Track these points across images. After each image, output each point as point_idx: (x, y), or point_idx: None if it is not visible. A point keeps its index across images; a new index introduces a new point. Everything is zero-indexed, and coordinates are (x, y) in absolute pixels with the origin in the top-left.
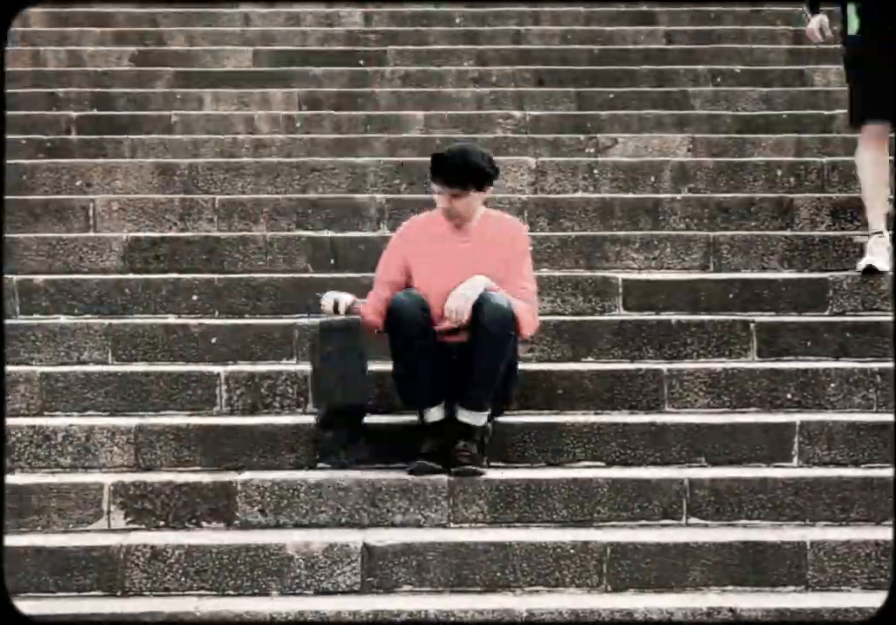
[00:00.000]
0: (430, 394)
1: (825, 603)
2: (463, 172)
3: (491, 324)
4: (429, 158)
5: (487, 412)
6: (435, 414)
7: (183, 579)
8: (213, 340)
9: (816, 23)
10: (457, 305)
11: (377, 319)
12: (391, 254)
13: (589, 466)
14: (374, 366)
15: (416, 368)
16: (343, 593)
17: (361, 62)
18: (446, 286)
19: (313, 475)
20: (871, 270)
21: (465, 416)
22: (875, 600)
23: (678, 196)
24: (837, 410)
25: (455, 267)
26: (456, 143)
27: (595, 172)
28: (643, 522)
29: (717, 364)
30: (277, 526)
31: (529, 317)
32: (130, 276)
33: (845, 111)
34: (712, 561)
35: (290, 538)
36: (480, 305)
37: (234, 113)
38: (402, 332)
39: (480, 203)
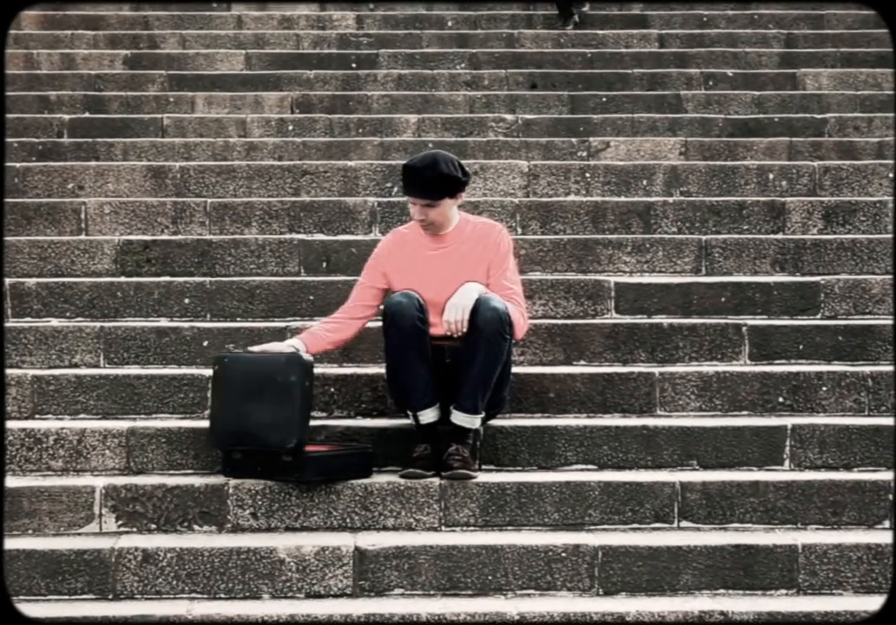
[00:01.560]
0: (425, 395)
1: (816, 607)
2: (435, 182)
3: (487, 326)
4: None
5: (482, 415)
6: (429, 416)
7: (174, 582)
8: (205, 343)
9: None
10: (455, 317)
11: (349, 329)
12: (373, 262)
13: (581, 470)
14: (367, 369)
15: (413, 369)
16: (334, 596)
17: (354, 65)
18: (430, 294)
19: None
20: None
21: (459, 419)
22: (867, 603)
23: (670, 199)
24: (829, 413)
25: (436, 274)
26: (424, 152)
27: (587, 175)
28: (635, 525)
29: (709, 368)
30: (269, 529)
31: (520, 319)
32: (122, 279)
33: (837, 115)
34: (704, 565)
35: (282, 542)
36: (477, 307)
37: (226, 116)
38: (398, 333)
39: (454, 209)
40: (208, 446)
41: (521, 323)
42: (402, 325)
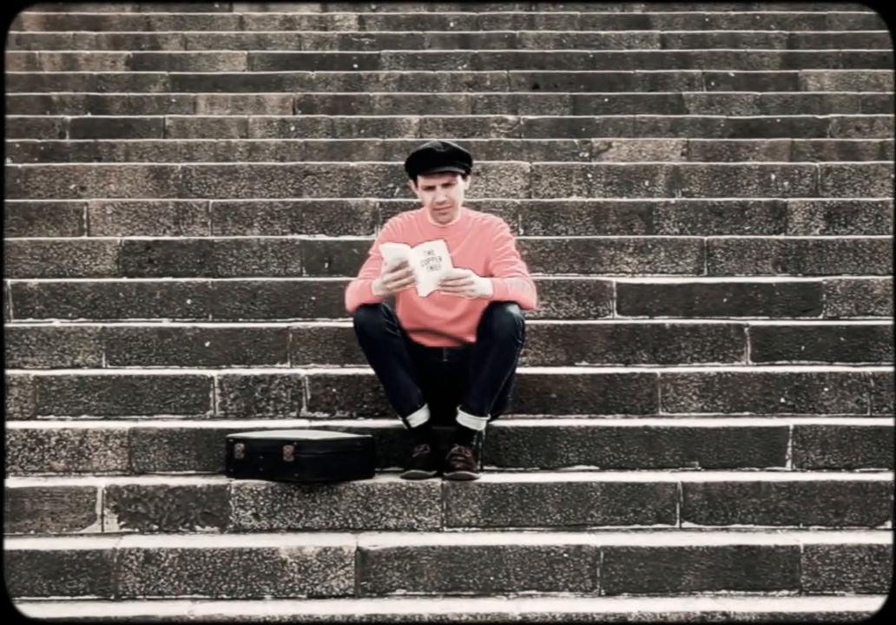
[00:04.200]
0: (409, 399)
1: (819, 607)
2: (453, 155)
3: (502, 330)
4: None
5: (488, 418)
6: (419, 418)
7: (176, 582)
8: (207, 344)
9: None
10: (466, 287)
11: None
12: (384, 239)
13: (583, 471)
14: (369, 370)
15: (393, 375)
16: (337, 597)
17: (356, 66)
18: None
19: None
20: None
21: (465, 420)
22: (868, 604)
23: (672, 200)
24: (831, 414)
25: None
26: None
27: (589, 176)
28: (637, 526)
29: (711, 368)
30: (271, 530)
31: (531, 290)
32: (124, 279)
33: (839, 115)
34: (706, 565)
35: (284, 542)
36: (492, 311)
37: (228, 117)
38: (370, 342)
39: (462, 197)
40: (210, 447)
41: (533, 293)
42: (373, 334)
